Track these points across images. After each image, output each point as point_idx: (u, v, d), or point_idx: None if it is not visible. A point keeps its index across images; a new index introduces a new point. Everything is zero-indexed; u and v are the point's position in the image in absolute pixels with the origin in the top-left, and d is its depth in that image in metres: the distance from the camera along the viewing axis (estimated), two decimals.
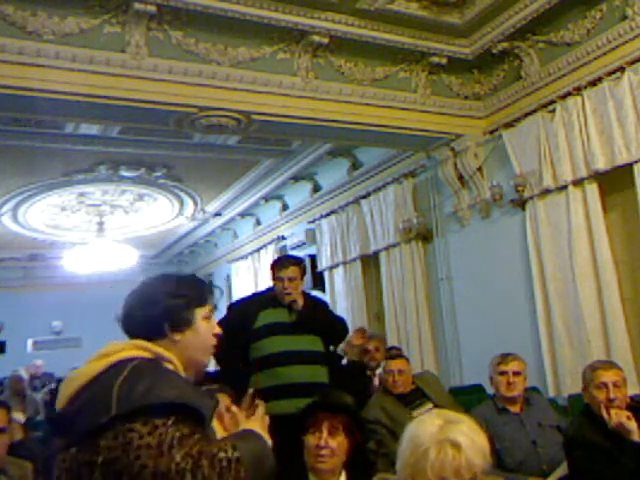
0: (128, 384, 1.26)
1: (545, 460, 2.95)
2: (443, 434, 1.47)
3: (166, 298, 1.49)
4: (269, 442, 1.46)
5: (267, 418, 1.55)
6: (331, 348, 4.65)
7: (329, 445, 2.19)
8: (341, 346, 4.52)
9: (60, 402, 1.34)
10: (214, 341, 1.55)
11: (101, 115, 4.05)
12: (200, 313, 1.52)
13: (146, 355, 1.40)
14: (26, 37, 3.38)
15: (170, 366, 1.41)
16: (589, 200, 4.10)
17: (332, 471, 2.22)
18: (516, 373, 3.14)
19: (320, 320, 3.43)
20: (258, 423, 1.50)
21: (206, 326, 1.53)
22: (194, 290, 1.54)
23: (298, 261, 3.52)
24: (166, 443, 1.21)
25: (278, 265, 3.42)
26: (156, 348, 1.43)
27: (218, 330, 1.57)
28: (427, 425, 1.52)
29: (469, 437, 1.48)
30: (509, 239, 4.76)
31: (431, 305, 5.54)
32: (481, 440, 1.50)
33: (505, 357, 3.21)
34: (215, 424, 1.45)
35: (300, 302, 3.37)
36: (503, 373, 3.14)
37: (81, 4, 3.46)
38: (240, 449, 1.31)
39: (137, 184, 7.03)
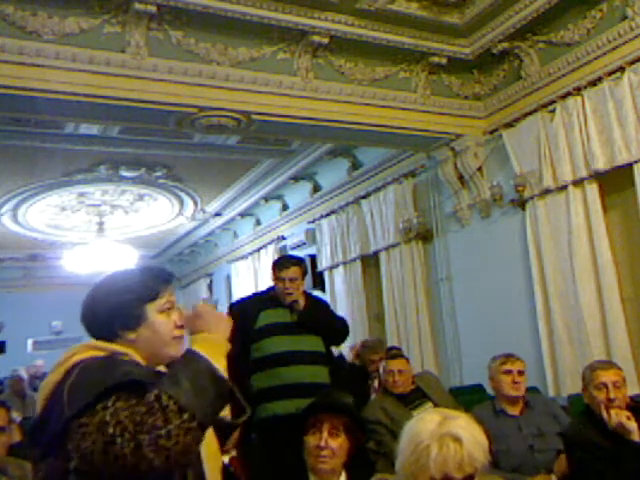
0: (75, 384, 1.25)
1: (542, 466, 2.93)
2: (443, 429, 1.47)
3: (112, 297, 1.43)
4: (207, 356, 1.29)
5: (220, 315, 1.46)
6: (337, 351, 4.66)
7: (329, 445, 2.19)
8: (344, 347, 4.51)
9: (35, 414, 1.35)
10: (176, 332, 1.46)
11: (101, 115, 4.05)
12: (153, 307, 1.44)
13: (99, 354, 1.36)
14: (26, 37, 3.37)
15: (126, 358, 1.36)
16: (589, 200, 4.10)
17: (332, 471, 2.22)
18: (521, 372, 3.16)
19: (321, 320, 3.43)
20: (205, 326, 1.38)
21: (163, 320, 1.45)
22: (143, 284, 1.46)
23: (299, 261, 3.52)
24: (102, 422, 1.17)
25: (279, 265, 3.42)
26: (109, 346, 1.38)
27: (181, 321, 1.48)
28: (426, 422, 1.52)
29: (469, 432, 1.48)
30: (509, 239, 4.76)
31: (431, 305, 5.54)
32: (480, 435, 1.50)
33: (509, 357, 3.21)
34: None
35: (301, 302, 3.37)
36: (508, 372, 3.14)
37: (81, 4, 3.45)
38: (169, 392, 1.19)
39: (137, 184, 7.03)
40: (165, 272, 1.56)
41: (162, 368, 1.47)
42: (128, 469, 1.14)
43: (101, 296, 1.45)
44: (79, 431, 1.19)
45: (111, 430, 1.15)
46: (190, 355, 1.30)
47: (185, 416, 1.17)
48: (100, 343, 1.40)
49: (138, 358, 1.39)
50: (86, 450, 1.18)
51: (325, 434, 2.20)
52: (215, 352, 1.31)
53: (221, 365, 1.29)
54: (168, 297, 1.47)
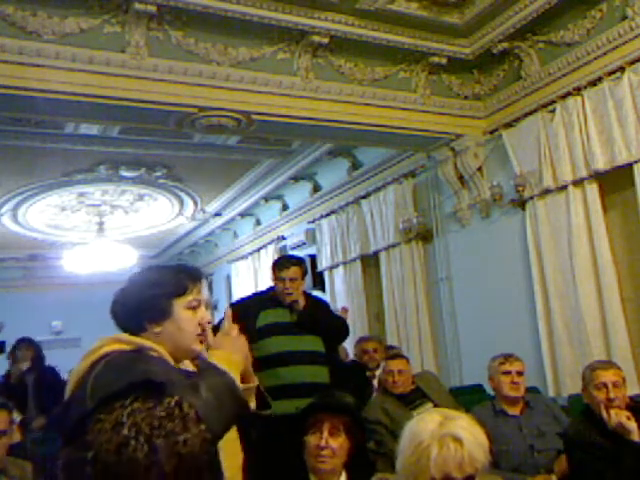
0: (98, 377, 1.28)
1: (542, 466, 2.93)
2: (444, 429, 1.47)
3: (141, 291, 1.47)
4: (230, 374, 1.35)
5: (240, 337, 1.52)
6: (348, 356, 4.67)
7: (330, 445, 2.19)
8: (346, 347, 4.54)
9: (62, 402, 1.37)
10: (200, 330, 1.50)
11: (101, 115, 4.05)
12: (181, 303, 1.48)
13: (126, 347, 1.38)
14: (26, 37, 3.37)
15: (154, 354, 1.39)
16: (589, 200, 4.10)
17: (332, 471, 2.22)
18: (519, 373, 3.15)
19: (321, 320, 3.43)
20: (226, 346, 1.44)
21: (189, 316, 1.48)
22: (172, 280, 1.50)
23: (299, 261, 3.52)
24: (118, 422, 1.19)
25: (279, 265, 3.42)
26: (136, 339, 1.42)
27: (206, 318, 1.52)
28: (427, 422, 1.52)
29: (469, 432, 1.48)
30: (509, 239, 4.76)
31: (431, 305, 5.54)
32: (481, 435, 1.50)
33: (508, 357, 3.21)
34: None
35: (301, 303, 3.37)
36: (507, 373, 3.14)
37: (81, 4, 3.45)
38: (190, 401, 1.20)
39: (137, 184, 7.02)
40: (196, 270, 1.59)
41: (186, 363, 1.50)
42: (139, 472, 1.15)
43: (132, 289, 1.49)
44: (96, 426, 1.19)
45: (126, 431, 1.14)
46: (214, 369, 1.33)
47: (202, 426, 1.17)
48: (127, 337, 1.43)
49: (162, 351, 1.41)
50: (101, 447, 1.18)
51: (325, 434, 2.20)
52: (235, 370, 1.35)
53: (239, 383, 1.33)
54: (196, 295, 1.50)
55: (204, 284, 1.58)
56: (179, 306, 1.47)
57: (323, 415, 2.25)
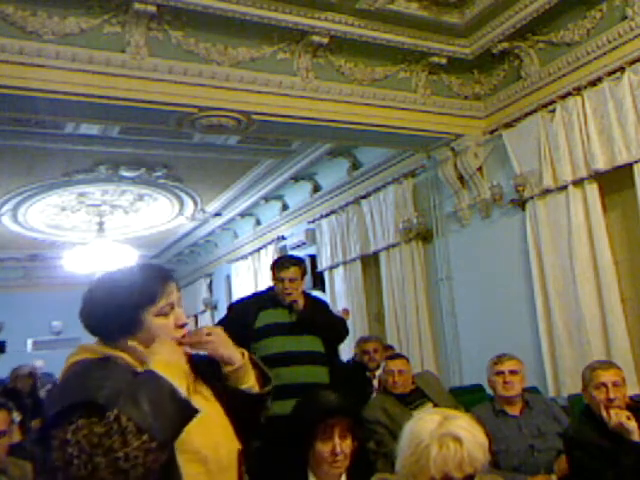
0: (53, 393, 1.30)
1: (542, 466, 2.93)
2: (443, 429, 1.47)
3: (107, 302, 1.37)
4: (168, 378, 1.26)
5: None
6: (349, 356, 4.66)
7: (343, 450, 2.17)
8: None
9: None
10: (175, 333, 1.41)
11: (101, 115, 4.05)
12: (151, 312, 1.38)
13: (94, 356, 1.35)
14: (26, 37, 3.38)
15: (120, 362, 1.34)
16: (589, 200, 4.10)
17: (340, 474, 2.21)
18: (512, 372, 3.13)
19: (320, 321, 3.43)
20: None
21: (161, 322, 1.39)
22: (139, 287, 1.39)
23: (299, 261, 3.52)
24: (64, 440, 1.17)
25: (279, 265, 3.42)
26: (103, 349, 1.37)
27: (181, 320, 1.43)
28: (426, 422, 1.52)
29: (469, 431, 1.48)
30: (509, 239, 4.76)
31: (431, 305, 5.54)
32: (480, 435, 1.50)
33: (500, 357, 3.20)
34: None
35: (301, 303, 3.37)
36: (499, 373, 3.14)
37: (81, 4, 3.46)
38: (129, 413, 1.17)
39: (137, 184, 7.03)
40: (164, 271, 1.48)
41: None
42: None
43: (99, 298, 1.40)
44: (47, 443, 1.20)
45: (70, 450, 1.15)
46: (150, 375, 1.26)
47: (145, 437, 1.15)
48: (94, 346, 1.39)
49: (131, 360, 1.36)
50: (52, 463, 1.19)
51: (337, 439, 2.18)
52: (175, 374, 1.28)
53: (182, 387, 1.28)
54: (167, 299, 1.41)
55: (173, 283, 1.46)
56: (150, 315, 1.38)
57: (332, 420, 2.22)
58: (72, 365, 1.35)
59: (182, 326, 1.43)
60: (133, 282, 1.41)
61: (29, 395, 5.86)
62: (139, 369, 1.33)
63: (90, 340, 1.46)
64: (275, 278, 3.41)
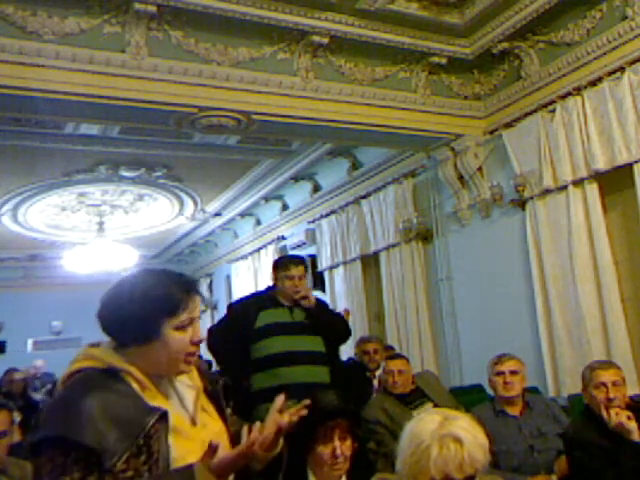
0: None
1: (542, 466, 2.92)
2: (444, 430, 1.47)
3: (128, 306, 1.32)
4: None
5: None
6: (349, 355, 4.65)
7: (343, 452, 2.17)
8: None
9: None
10: (190, 349, 1.36)
11: (101, 115, 4.05)
12: (171, 324, 1.32)
13: (97, 365, 1.31)
14: (26, 37, 3.38)
15: (128, 378, 1.31)
16: (589, 200, 4.10)
17: (340, 475, 2.21)
18: (513, 372, 3.12)
19: (328, 320, 3.42)
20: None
21: (178, 336, 1.33)
22: (163, 296, 1.34)
23: (303, 260, 3.52)
24: (38, 466, 1.19)
25: (286, 263, 3.38)
26: (109, 358, 1.32)
27: (197, 337, 1.37)
28: (427, 422, 1.52)
29: (470, 432, 1.48)
30: (509, 239, 4.76)
31: (431, 305, 5.54)
32: (481, 436, 1.50)
33: (501, 357, 3.20)
34: (173, 439, 1.29)
35: (312, 298, 3.35)
36: (499, 373, 3.13)
37: (81, 4, 3.45)
38: None
39: (137, 184, 7.03)
40: (191, 283, 1.41)
41: (184, 378, 1.43)
42: None
43: (118, 300, 1.35)
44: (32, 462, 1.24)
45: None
46: (189, 473, 1.24)
47: None
48: (99, 353, 1.35)
49: (136, 373, 1.32)
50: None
51: (337, 442, 2.17)
52: None
53: (191, 398, 1.28)
54: (189, 313, 1.35)
55: (198, 297, 1.40)
56: (169, 327, 1.32)
57: (332, 422, 2.21)
58: (72, 374, 1.32)
59: (198, 343, 1.38)
60: (157, 287, 1.35)
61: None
62: (142, 395, 1.30)
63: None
64: (282, 277, 3.36)
